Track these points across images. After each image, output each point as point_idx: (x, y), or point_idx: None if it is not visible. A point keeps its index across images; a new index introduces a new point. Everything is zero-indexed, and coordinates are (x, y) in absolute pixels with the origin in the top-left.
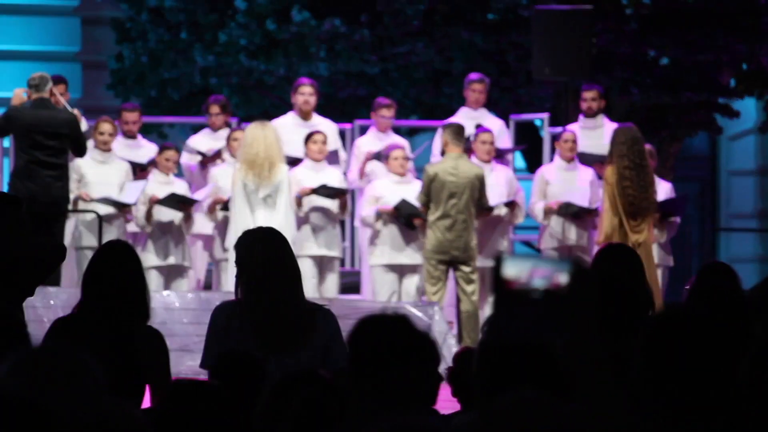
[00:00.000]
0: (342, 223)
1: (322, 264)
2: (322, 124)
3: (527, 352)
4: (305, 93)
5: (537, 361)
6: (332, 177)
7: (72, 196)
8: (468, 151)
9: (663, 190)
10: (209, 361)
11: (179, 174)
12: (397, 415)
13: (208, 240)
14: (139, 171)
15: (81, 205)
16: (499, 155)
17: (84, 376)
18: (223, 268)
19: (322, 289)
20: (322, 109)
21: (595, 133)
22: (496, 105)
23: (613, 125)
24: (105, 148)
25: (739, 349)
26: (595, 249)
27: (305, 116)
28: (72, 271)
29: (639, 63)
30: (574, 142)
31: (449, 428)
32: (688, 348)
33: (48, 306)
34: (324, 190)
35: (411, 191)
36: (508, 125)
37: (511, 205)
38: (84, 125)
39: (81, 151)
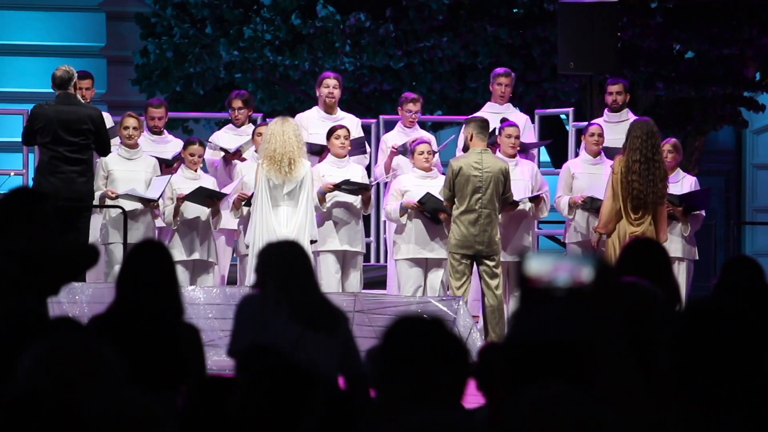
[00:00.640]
0: (367, 218)
1: (345, 259)
2: (345, 118)
3: (553, 348)
4: (329, 86)
5: (562, 356)
6: (355, 172)
7: (99, 194)
8: (493, 145)
9: (687, 183)
10: (236, 347)
11: (205, 169)
12: (420, 411)
13: (232, 235)
14: (165, 167)
15: (107, 202)
16: (524, 150)
17: (103, 370)
18: (246, 263)
19: (346, 284)
20: (347, 104)
21: (620, 127)
22: (521, 99)
23: None
24: (131, 143)
25: (766, 344)
26: (603, 238)
27: (329, 110)
28: (98, 266)
29: (664, 57)
30: (601, 136)
31: (475, 422)
32: (717, 343)
33: (74, 301)
34: (347, 186)
35: (436, 186)
36: (533, 120)
37: (535, 199)
38: (109, 122)
39: (104, 150)
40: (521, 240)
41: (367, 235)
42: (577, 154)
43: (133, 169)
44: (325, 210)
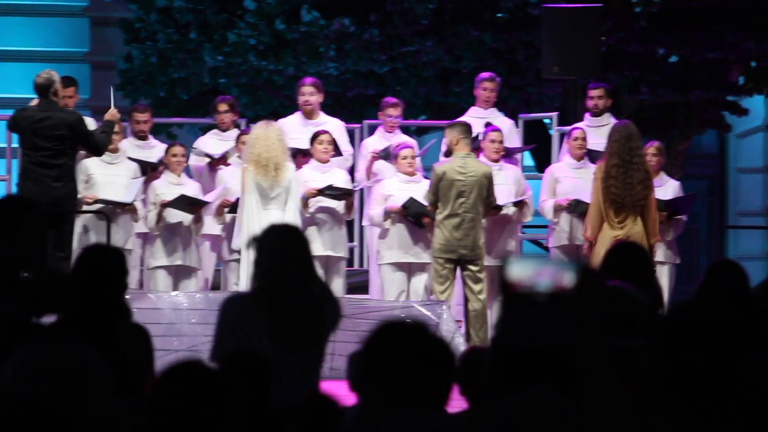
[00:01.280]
0: (350, 223)
1: (328, 264)
2: (328, 122)
3: (536, 354)
4: (305, 93)
5: (546, 362)
6: (339, 177)
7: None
8: (477, 150)
9: (671, 188)
10: (220, 354)
11: (189, 174)
12: (409, 416)
13: (216, 240)
14: (150, 171)
15: (85, 207)
16: (508, 154)
17: (89, 376)
18: (231, 269)
19: None
20: (331, 109)
21: (602, 131)
22: (505, 104)
23: None
24: (111, 147)
25: (749, 347)
26: (585, 244)
27: (308, 115)
28: None
29: (648, 61)
30: (584, 140)
31: (458, 427)
32: (700, 347)
33: None
34: (330, 191)
35: (420, 190)
36: (517, 124)
37: (519, 204)
38: (93, 126)
39: (95, 150)
40: (505, 244)
41: (350, 240)
42: (561, 159)
43: (114, 173)
44: (308, 215)
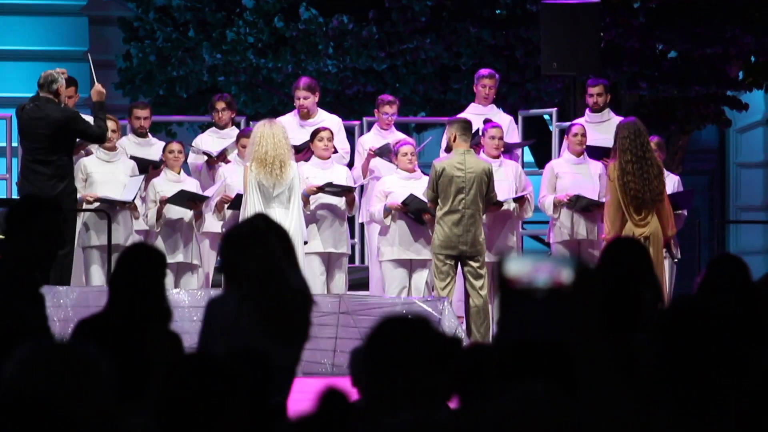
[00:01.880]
0: (351, 220)
1: (330, 261)
2: (325, 120)
3: (535, 349)
4: (300, 97)
5: (545, 357)
6: (339, 174)
7: (78, 196)
8: (476, 146)
9: (671, 183)
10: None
11: (188, 172)
12: (405, 411)
13: (216, 237)
14: (152, 168)
15: (85, 205)
16: (508, 150)
17: (92, 374)
18: None
19: (331, 285)
20: (330, 106)
21: (602, 127)
22: (504, 100)
23: (619, 119)
24: (109, 146)
25: (751, 342)
26: (603, 244)
27: (304, 117)
28: (80, 270)
29: (647, 57)
30: (584, 135)
31: (458, 422)
32: (702, 342)
33: (58, 305)
34: (330, 188)
35: (420, 187)
36: (516, 121)
37: (520, 200)
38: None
39: (96, 139)
40: (506, 240)
41: (351, 236)
42: (560, 154)
43: (112, 171)
44: (309, 212)
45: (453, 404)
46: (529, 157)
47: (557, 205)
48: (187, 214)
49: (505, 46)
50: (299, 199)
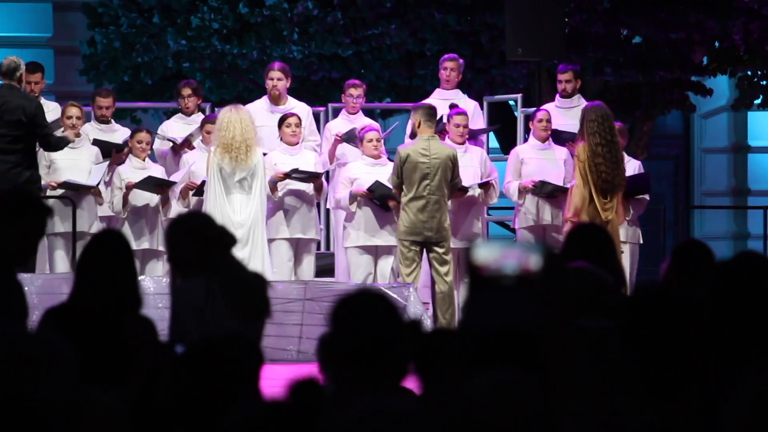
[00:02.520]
0: (318, 206)
1: (299, 247)
2: (295, 107)
3: (503, 335)
4: (273, 78)
5: (512, 344)
6: (308, 160)
7: (41, 184)
8: (441, 132)
9: (632, 167)
10: (180, 336)
11: (153, 159)
12: (372, 397)
13: None
14: (115, 152)
15: (50, 192)
16: (473, 136)
17: (54, 363)
18: None
19: (299, 270)
20: (296, 92)
21: (572, 113)
22: (469, 86)
23: None
24: (74, 132)
25: (715, 328)
26: (566, 225)
27: (276, 101)
28: (44, 257)
29: (612, 42)
30: (548, 121)
31: (424, 407)
32: (667, 328)
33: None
34: (297, 174)
35: (385, 173)
36: (482, 106)
37: (485, 185)
38: (57, 112)
39: (46, 145)
40: (471, 226)
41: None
42: (525, 140)
43: (76, 157)
44: (277, 199)
45: (417, 391)
46: (494, 142)
47: (522, 191)
48: (153, 199)
49: (470, 32)
50: (262, 186)
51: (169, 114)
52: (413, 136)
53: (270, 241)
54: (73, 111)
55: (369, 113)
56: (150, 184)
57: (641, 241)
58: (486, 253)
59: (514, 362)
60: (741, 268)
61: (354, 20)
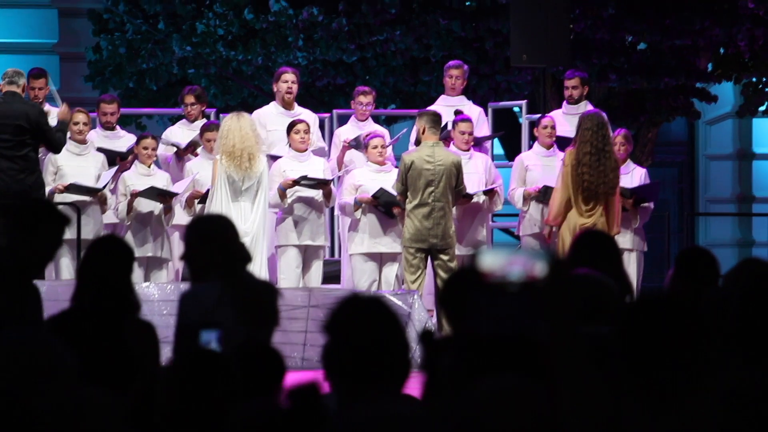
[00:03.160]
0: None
1: (307, 253)
2: (302, 114)
3: (508, 341)
4: (288, 80)
5: (518, 349)
6: (317, 167)
7: (48, 189)
8: (446, 139)
9: (638, 175)
10: (186, 348)
11: (158, 165)
12: (375, 403)
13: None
14: (119, 160)
15: (57, 198)
16: (477, 143)
17: (55, 366)
18: None
19: (306, 277)
20: (301, 98)
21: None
22: (474, 92)
23: None
24: (80, 138)
25: (717, 335)
26: (545, 228)
27: (287, 105)
28: (50, 264)
29: (617, 48)
30: (553, 128)
31: (429, 413)
32: (667, 334)
33: None
34: (306, 181)
35: (390, 180)
36: (486, 113)
37: (489, 192)
38: (53, 113)
39: (51, 147)
40: (476, 233)
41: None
42: (530, 147)
43: (83, 164)
44: (286, 206)
45: (420, 397)
46: (498, 149)
47: (527, 198)
48: (157, 207)
49: (475, 38)
50: (266, 194)
51: (174, 120)
52: (418, 142)
53: (279, 247)
54: (80, 117)
55: (374, 119)
56: (153, 193)
57: (646, 249)
58: (491, 260)
59: (518, 369)
60: (746, 274)
61: (359, 26)
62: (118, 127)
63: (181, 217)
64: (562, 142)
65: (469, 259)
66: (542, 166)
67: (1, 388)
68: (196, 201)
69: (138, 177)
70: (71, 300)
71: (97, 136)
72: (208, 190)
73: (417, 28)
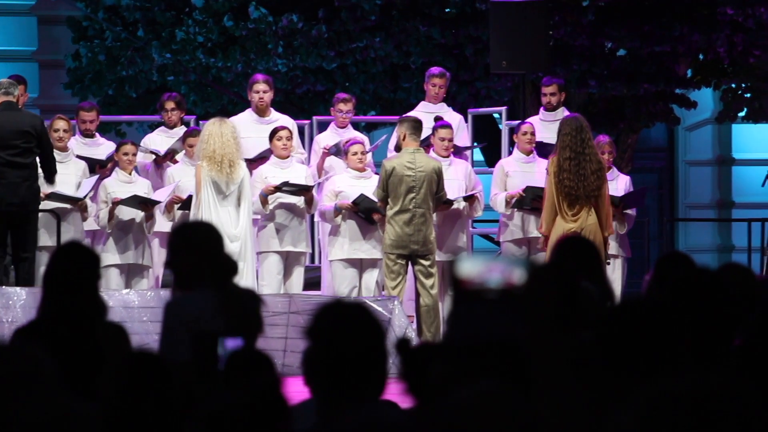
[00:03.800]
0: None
1: (289, 260)
2: (279, 120)
3: (488, 348)
4: (259, 90)
5: (497, 357)
6: (299, 173)
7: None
8: (426, 146)
9: (622, 182)
10: (172, 354)
11: (138, 172)
12: (357, 409)
13: (166, 238)
14: (99, 167)
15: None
16: (458, 152)
17: (36, 375)
18: None
19: (288, 283)
20: (280, 105)
21: (556, 126)
22: (454, 99)
23: None
24: (61, 146)
25: (697, 339)
26: (540, 238)
27: (261, 113)
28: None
29: (596, 55)
30: (533, 134)
31: (410, 420)
32: (646, 339)
33: (7, 306)
34: (287, 187)
35: (370, 186)
36: (466, 119)
37: (470, 198)
38: None
39: (47, 167)
40: (456, 239)
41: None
42: (510, 153)
43: (63, 172)
44: (268, 212)
45: (402, 404)
46: (478, 156)
47: (509, 201)
48: (138, 215)
49: (455, 45)
50: (249, 201)
51: (153, 127)
52: (398, 149)
53: (260, 254)
54: (60, 124)
55: (354, 126)
56: (135, 202)
57: (629, 255)
58: (471, 267)
59: (498, 375)
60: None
61: (338, 33)
62: (97, 134)
63: (161, 224)
64: (542, 148)
65: (449, 265)
66: (522, 172)
67: None
68: (176, 206)
69: (119, 184)
70: (38, 309)
71: (77, 144)
72: (189, 196)
73: (397, 35)
